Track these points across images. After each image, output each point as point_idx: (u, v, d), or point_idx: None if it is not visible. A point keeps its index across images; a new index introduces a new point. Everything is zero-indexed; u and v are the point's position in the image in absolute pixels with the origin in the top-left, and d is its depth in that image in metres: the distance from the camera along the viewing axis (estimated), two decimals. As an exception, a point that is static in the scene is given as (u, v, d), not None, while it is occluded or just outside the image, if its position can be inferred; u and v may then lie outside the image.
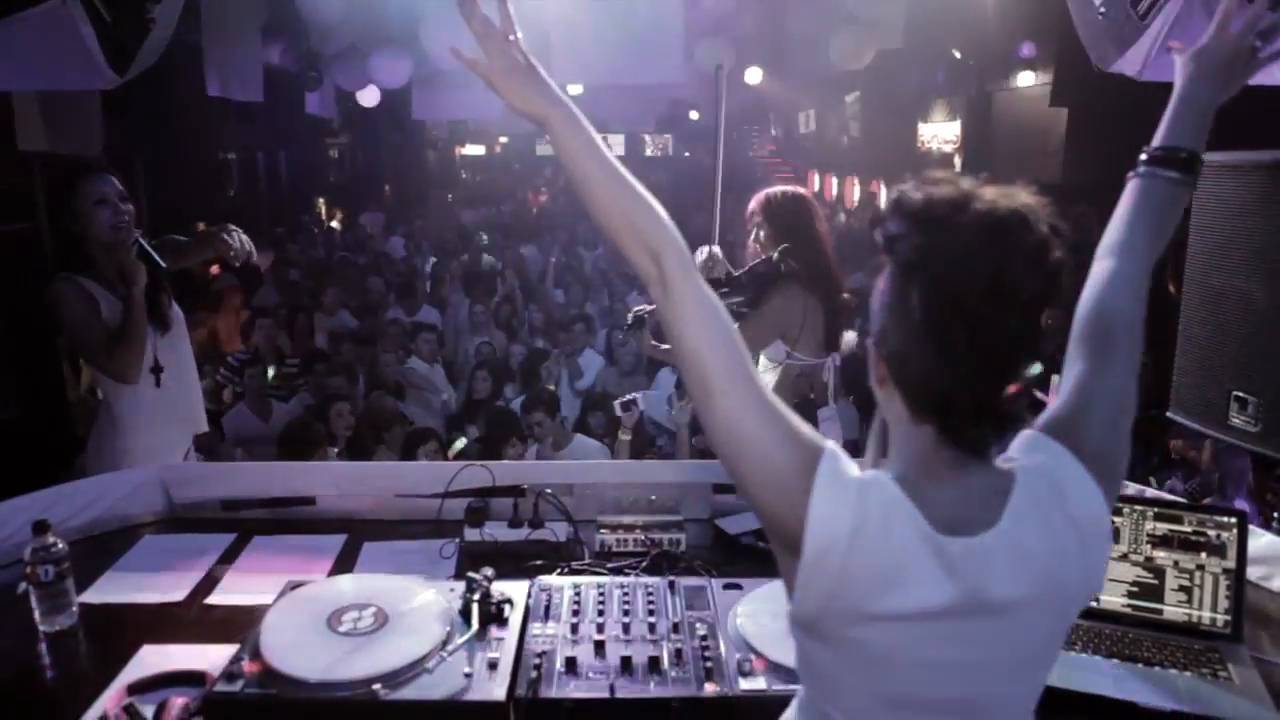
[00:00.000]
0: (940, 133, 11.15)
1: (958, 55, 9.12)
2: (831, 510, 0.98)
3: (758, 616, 1.64)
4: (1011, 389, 0.96)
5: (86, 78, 3.03)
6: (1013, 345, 0.95)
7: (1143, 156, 1.26)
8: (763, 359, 2.91)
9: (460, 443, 4.38)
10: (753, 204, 2.93)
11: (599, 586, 1.76)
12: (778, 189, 2.94)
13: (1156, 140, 1.27)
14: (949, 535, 0.98)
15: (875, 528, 0.97)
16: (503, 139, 23.37)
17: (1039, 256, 0.94)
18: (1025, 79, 8.68)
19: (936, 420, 0.99)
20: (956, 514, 0.99)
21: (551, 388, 5.07)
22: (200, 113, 9.96)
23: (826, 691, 1.06)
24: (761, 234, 2.89)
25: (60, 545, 1.79)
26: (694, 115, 15.34)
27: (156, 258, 2.64)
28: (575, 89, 9.93)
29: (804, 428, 1.02)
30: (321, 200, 15.60)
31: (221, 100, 6.87)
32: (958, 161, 10.61)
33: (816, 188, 17.50)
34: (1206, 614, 1.77)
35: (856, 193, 14.88)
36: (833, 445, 1.01)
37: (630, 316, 2.78)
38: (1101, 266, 1.18)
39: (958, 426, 0.99)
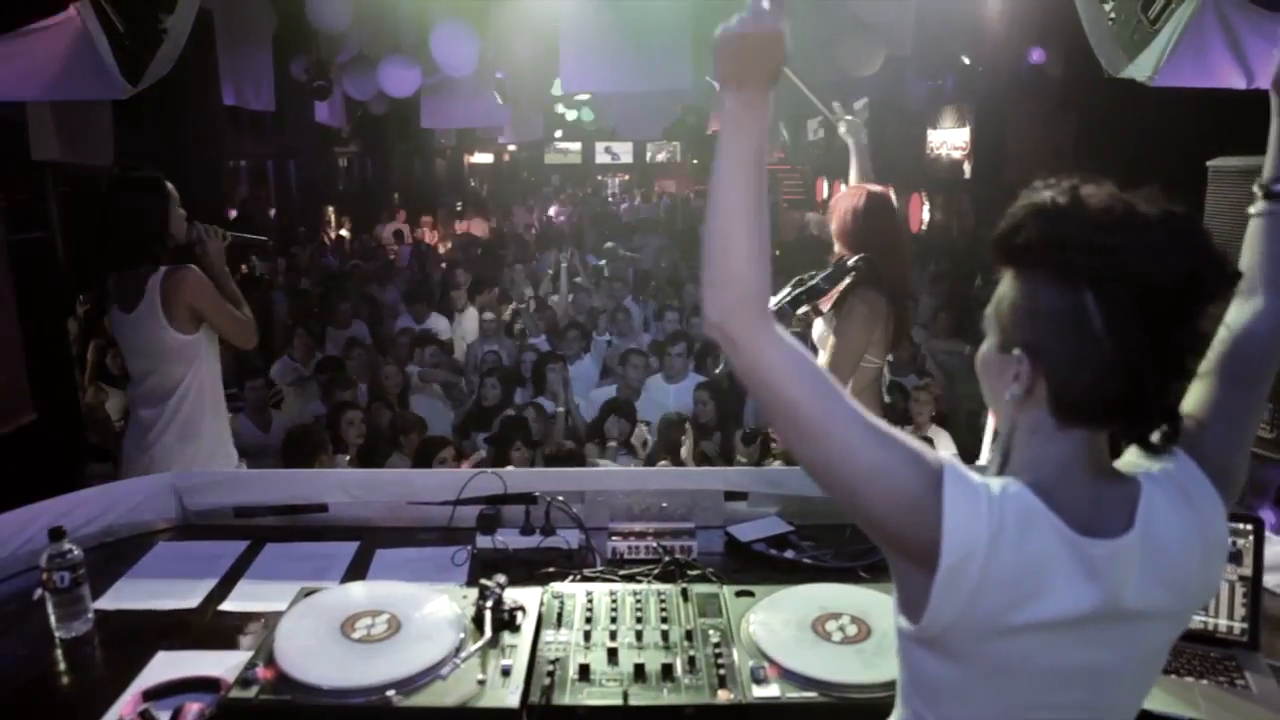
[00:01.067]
0: (950, 139, 11.14)
1: (967, 61, 9.11)
2: (966, 520, 0.95)
3: (771, 624, 1.64)
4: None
5: (100, 88, 3.07)
6: (1192, 344, 0.96)
7: (1257, 191, 1.22)
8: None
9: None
10: (840, 202, 2.94)
11: (611, 593, 1.77)
12: (864, 189, 2.96)
13: (1266, 174, 1.23)
14: (1089, 538, 0.97)
15: (1013, 533, 0.96)
16: (511, 147, 23.43)
17: (1219, 252, 0.95)
18: (1035, 85, 8.68)
19: (1098, 424, 1.00)
20: (1093, 517, 0.99)
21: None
22: (211, 122, 10.03)
23: (943, 708, 1.04)
24: (847, 234, 2.89)
25: (76, 552, 1.80)
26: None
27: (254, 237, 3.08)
28: (583, 96, 9.98)
29: (913, 441, 1.00)
30: (331, 209, 15.66)
31: (232, 110, 6.93)
32: (967, 168, 10.59)
33: (825, 194, 17.51)
34: (1224, 622, 1.76)
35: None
36: (948, 455, 1.00)
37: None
38: (1245, 300, 1.17)
39: (1135, 427, 1.00)
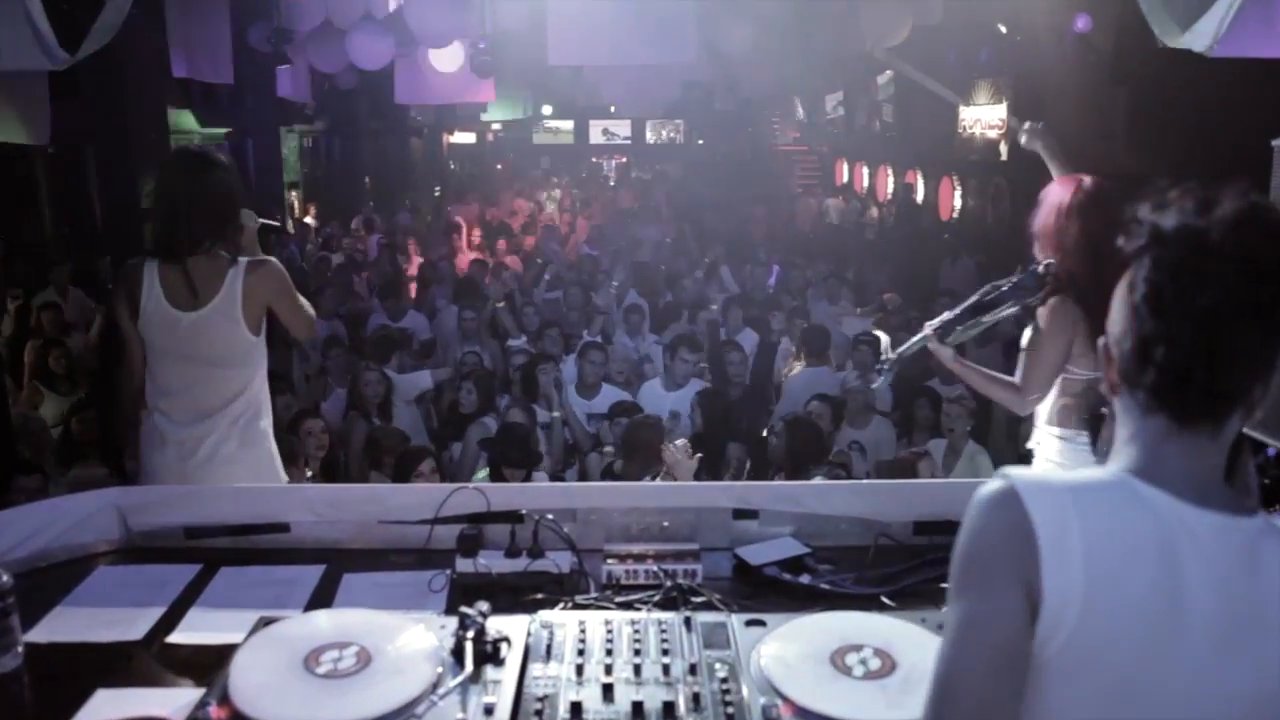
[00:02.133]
0: (984, 117, 11.15)
1: (1004, 30, 9.13)
2: (1052, 513, 1.08)
3: (784, 656, 1.64)
4: None
5: (35, 57, 3.07)
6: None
7: None
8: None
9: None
10: (1048, 194, 2.94)
11: (606, 623, 1.76)
12: (1078, 180, 2.94)
13: None
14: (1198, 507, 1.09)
15: (1100, 515, 1.09)
16: (495, 126, 23.45)
17: None
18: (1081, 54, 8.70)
19: (1154, 401, 1.12)
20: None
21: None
22: (157, 96, 10.03)
23: None
24: (1048, 234, 2.91)
25: (4, 578, 1.79)
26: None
27: (273, 222, 3.20)
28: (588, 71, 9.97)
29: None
30: (294, 194, 15.68)
31: (183, 83, 6.95)
32: (1003, 149, 10.61)
33: (845, 178, 17.54)
34: None
35: (890, 184, 14.89)
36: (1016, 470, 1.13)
37: (886, 360, 3.06)
38: None
39: (1189, 410, 1.11)
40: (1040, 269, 2.85)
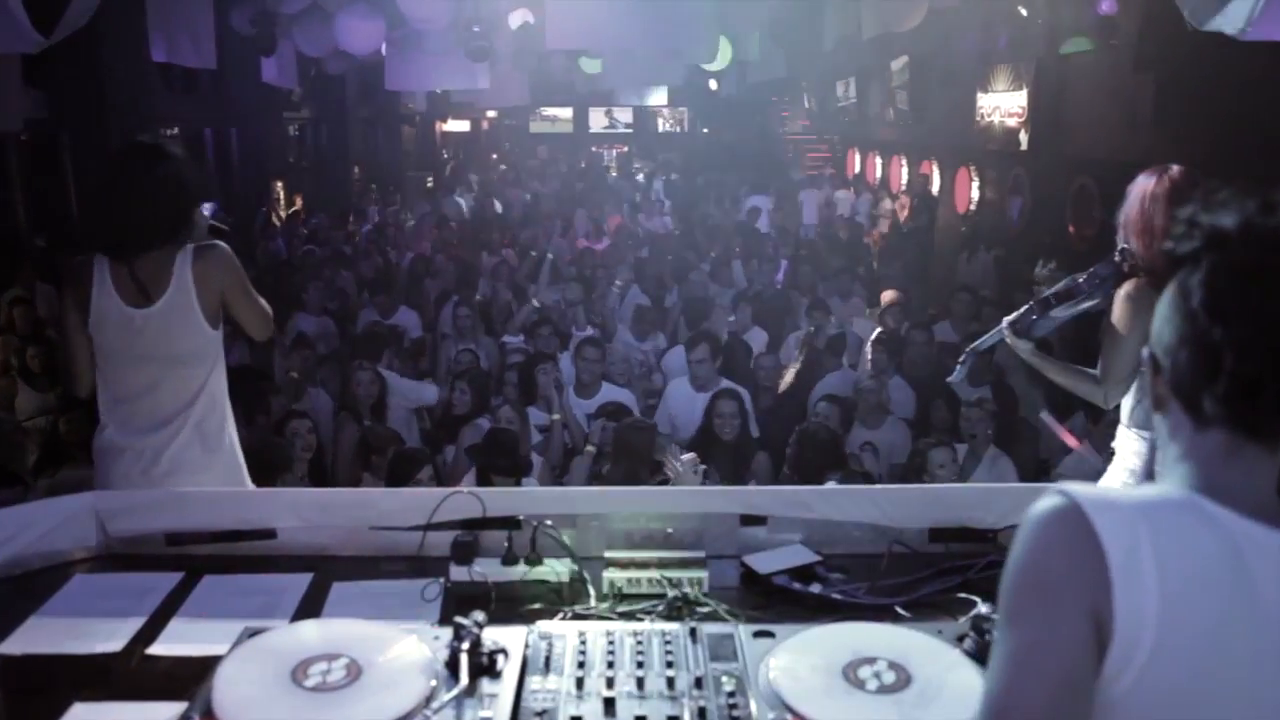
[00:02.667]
0: (1003, 104, 11.15)
1: (1024, 13, 9.13)
2: (1122, 533, 1.06)
3: (795, 669, 1.64)
4: None
5: (7, 40, 3.07)
6: None
7: None
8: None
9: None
10: (1145, 181, 2.94)
11: (608, 634, 1.76)
12: (1168, 168, 2.94)
13: None
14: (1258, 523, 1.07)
15: (1171, 535, 1.06)
16: (490, 113, 23.47)
17: None
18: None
19: (1208, 415, 1.10)
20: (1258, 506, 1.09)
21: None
22: (135, 81, 10.04)
23: None
24: (1131, 224, 2.92)
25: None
26: (714, 85, 15.40)
27: (223, 226, 3.17)
28: (587, 61, 9.98)
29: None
30: (280, 184, 15.69)
31: (163, 67, 6.95)
32: (1024, 138, 10.61)
33: (857, 168, 17.55)
34: None
35: (905, 174, 14.90)
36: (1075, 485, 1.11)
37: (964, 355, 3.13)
38: None
39: (1254, 426, 1.09)
40: (1117, 257, 2.87)
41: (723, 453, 4.87)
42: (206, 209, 3.09)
